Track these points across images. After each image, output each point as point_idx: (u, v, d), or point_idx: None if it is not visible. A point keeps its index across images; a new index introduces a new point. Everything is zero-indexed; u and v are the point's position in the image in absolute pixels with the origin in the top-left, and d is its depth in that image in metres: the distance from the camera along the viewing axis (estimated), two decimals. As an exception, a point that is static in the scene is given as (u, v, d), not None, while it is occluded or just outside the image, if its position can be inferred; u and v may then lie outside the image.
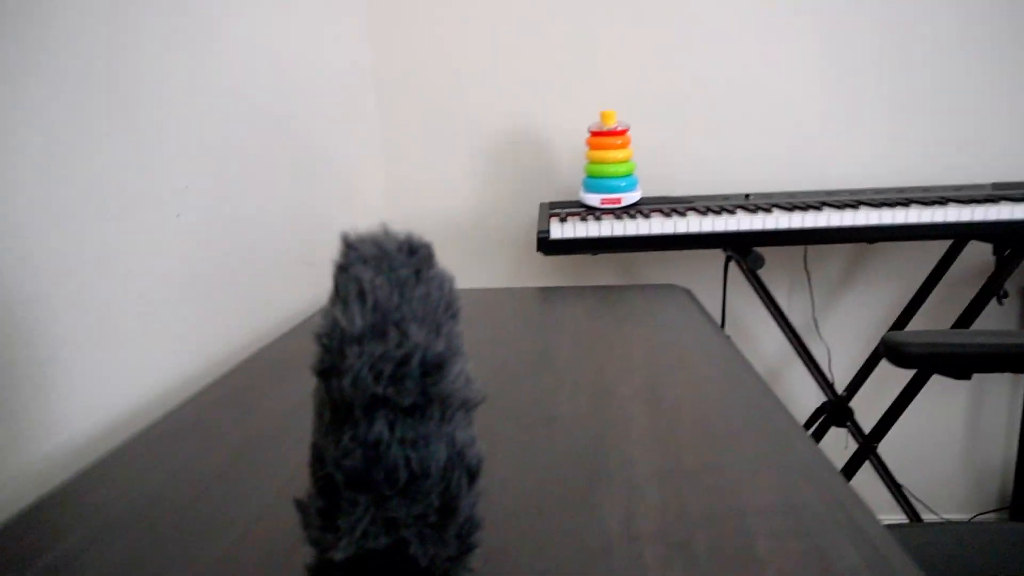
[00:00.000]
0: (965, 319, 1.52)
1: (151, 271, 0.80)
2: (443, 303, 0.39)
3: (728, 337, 1.77)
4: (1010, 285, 1.75)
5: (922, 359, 0.80)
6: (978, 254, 1.73)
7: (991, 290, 1.48)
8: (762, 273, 1.77)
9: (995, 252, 1.52)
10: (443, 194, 1.78)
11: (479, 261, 1.81)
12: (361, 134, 1.60)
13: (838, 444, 1.86)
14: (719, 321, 1.77)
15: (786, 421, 0.63)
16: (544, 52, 1.70)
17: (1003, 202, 1.38)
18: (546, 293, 1.15)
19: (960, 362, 0.78)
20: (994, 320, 1.77)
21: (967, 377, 0.80)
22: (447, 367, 0.38)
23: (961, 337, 0.79)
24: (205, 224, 0.91)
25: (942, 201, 1.40)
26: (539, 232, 1.37)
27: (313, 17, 1.31)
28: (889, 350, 0.83)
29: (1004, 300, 1.73)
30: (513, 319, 1.01)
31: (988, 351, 0.76)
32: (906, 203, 1.39)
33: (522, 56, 1.70)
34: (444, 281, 0.40)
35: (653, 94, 1.71)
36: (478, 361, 0.84)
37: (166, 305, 0.83)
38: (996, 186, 1.62)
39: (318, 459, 0.38)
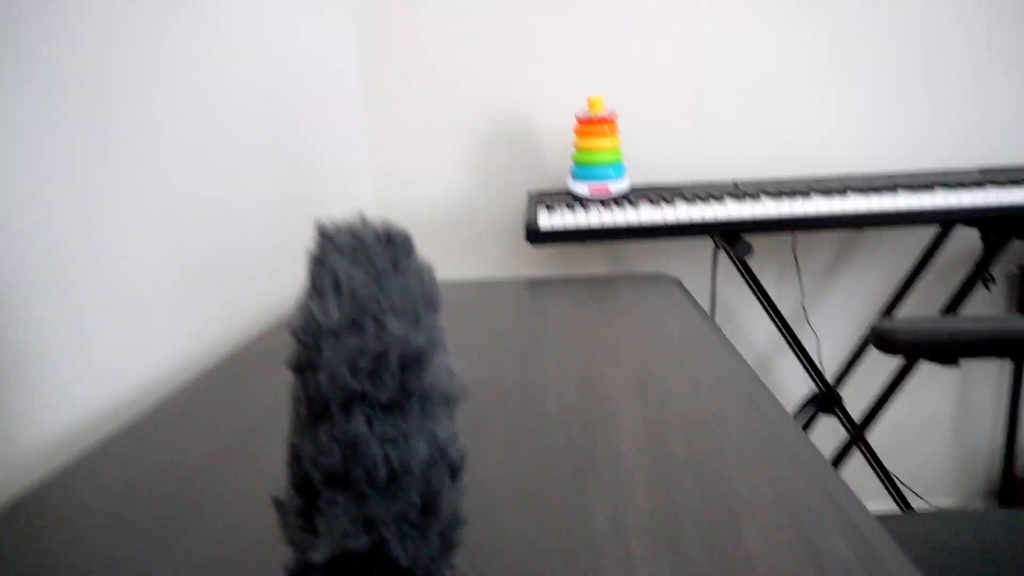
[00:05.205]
0: (953, 305, 1.52)
1: (136, 263, 0.78)
2: (422, 294, 0.38)
3: (717, 327, 1.76)
4: (998, 270, 1.75)
5: (910, 346, 0.79)
6: (966, 239, 1.73)
7: (978, 276, 1.48)
8: (751, 261, 1.76)
9: (982, 237, 1.52)
10: (430, 184, 1.76)
11: (467, 252, 1.79)
12: (348, 125, 1.58)
13: (829, 432, 1.87)
14: (709, 310, 1.76)
15: (775, 410, 0.62)
16: (532, 39, 1.68)
17: (989, 187, 1.38)
18: (534, 284, 1.14)
19: (947, 348, 0.77)
20: (983, 305, 1.77)
21: (955, 363, 0.79)
22: (427, 361, 0.37)
23: (948, 323, 0.78)
24: (192, 216, 0.90)
25: (929, 186, 1.40)
26: (527, 222, 1.36)
27: (300, 7, 1.29)
28: (877, 338, 0.83)
29: (991, 285, 1.74)
30: (501, 311, 1.00)
31: (974, 337, 0.76)
32: (894, 188, 1.39)
33: (509, 43, 1.68)
34: (423, 271, 0.39)
35: (642, 81, 1.69)
36: (466, 353, 0.82)
37: (151, 298, 0.81)
38: (982, 171, 1.62)
39: (295, 457, 0.37)
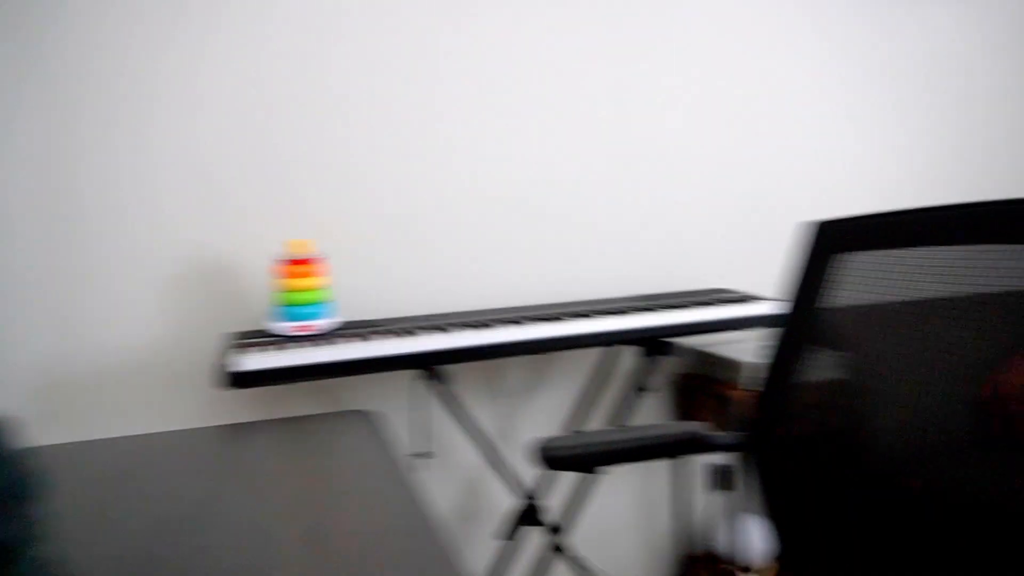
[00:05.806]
0: (620, 415, 1.76)
1: None
2: (14, 485, 0.38)
3: (425, 455, 1.82)
4: (661, 380, 2.06)
5: (561, 461, 0.91)
6: (633, 356, 2.03)
7: (636, 387, 1.75)
8: (462, 385, 1.88)
9: (644, 354, 1.80)
10: (128, 329, 1.65)
11: (165, 401, 1.68)
12: (33, 264, 1.44)
13: (539, 540, 1.99)
14: (422, 437, 1.83)
15: (434, 544, 0.68)
16: (232, 180, 1.70)
17: (645, 312, 1.66)
18: (231, 431, 1.11)
19: (588, 459, 0.91)
20: (655, 411, 2.06)
21: (595, 471, 0.93)
22: (15, 555, 0.36)
23: (586, 438, 0.92)
24: None
25: (595, 313, 1.64)
26: (219, 366, 1.33)
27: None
28: (540, 455, 0.94)
29: (654, 393, 2.04)
30: (187, 464, 0.96)
31: (603, 448, 0.90)
32: (564, 316, 1.60)
33: (207, 184, 1.69)
34: (16, 460, 0.39)
35: (350, 221, 1.78)
36: (134, 518, 0.78)
37: None
38: (643, 298, 1.93)
39: None
